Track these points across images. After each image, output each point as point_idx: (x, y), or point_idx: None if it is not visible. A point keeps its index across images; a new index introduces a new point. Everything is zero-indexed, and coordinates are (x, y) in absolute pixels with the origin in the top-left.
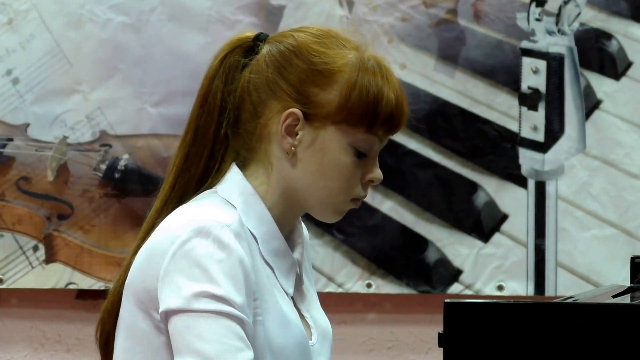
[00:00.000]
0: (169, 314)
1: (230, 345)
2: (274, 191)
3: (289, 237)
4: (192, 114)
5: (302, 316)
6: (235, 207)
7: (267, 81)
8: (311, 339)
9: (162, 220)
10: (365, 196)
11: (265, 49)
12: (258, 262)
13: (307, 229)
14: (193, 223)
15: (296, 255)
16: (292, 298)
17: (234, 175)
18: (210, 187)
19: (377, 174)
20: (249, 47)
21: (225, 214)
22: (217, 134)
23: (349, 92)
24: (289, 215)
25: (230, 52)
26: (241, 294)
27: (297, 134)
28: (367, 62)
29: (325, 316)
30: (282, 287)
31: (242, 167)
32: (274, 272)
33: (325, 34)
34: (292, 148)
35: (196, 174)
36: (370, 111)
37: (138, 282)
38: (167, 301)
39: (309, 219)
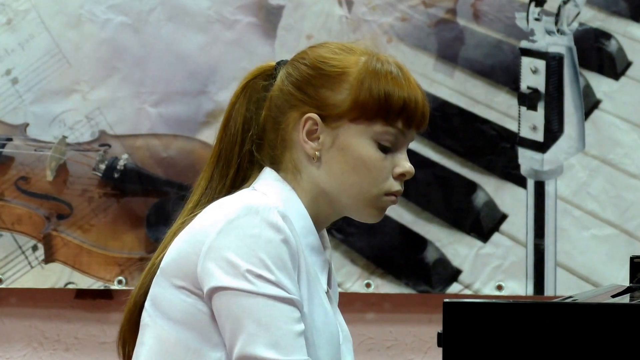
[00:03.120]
0: (217, 290)
1: (286, 330)
2: (305, 194)
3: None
4: (216, 138)
5: None
6: None
7: (284, 94)
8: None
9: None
10: (400, 191)
11: (283, 70)
12: (302, 248)
13: None
14: (240, 203)
15: (327, 255)
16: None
17: (269, 174)
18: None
19: (406, 167)
20: (270, 73)
21: (271, 199)
22: (241, 153)
23: (359, 88)
24: (320, 219)
25: (252, 79)
26: (290, 276)
27: (318, 138)
28: (375, 61)
29: (345, 324)
30: (320, 280)
31: None
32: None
33: (339, 45)
34: (316, 152)
35: (221, 191)
36: (382, 103)
37: (177, 262)
38: (217, 277)
39: None
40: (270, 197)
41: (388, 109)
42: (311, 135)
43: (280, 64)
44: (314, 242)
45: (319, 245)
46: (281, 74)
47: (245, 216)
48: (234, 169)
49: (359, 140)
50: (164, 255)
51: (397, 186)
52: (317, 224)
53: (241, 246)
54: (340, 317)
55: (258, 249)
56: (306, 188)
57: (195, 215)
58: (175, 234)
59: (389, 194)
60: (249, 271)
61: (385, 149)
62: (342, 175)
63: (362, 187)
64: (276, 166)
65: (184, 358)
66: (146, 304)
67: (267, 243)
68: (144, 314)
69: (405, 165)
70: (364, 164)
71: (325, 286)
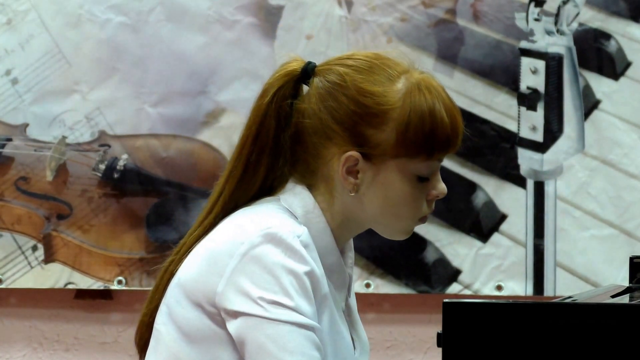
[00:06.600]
0: (238, 315)
1: (311, 356)
2: (336, 216)
3: (342, 251)
4: (242, 149)
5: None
6: (296, 217)
7: (322, 124)
8: (354, 353)
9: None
10: (432, 211)
11: (314, 86)
12: (323, 272)
13: None
14: (263, 228)
15: (348, 270)
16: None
17: (299, 189)
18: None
19: (441, 188)
20: (297, 80)
21: (294, 224)
22: (270, 172)
23: (404, 129)
24: (346, 234)
25: (280, 88)
26: (311, 304)
27: (357, 172)
28: (417, 92)
29: (364, 331)
30: (337, 301)
31: None
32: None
33: (372, 65)
34: (355, 187)
35: (244, 200)
36: (428, 142)
37: (196, 281)
38: (238, 304)
39: None
40: (293, 221)
41: (432, 146)
42: (350, 170)
43: (308, 69)
44: (335, 261)
45: (340, 265)
46: (314, 93)
47: (268, 244)
48: (257, 186)
49: (400, 176)
50: (181, 264)
51: (429, 209)
52: (342, 238)
53: (264, 274)
54: (360, 327)
55: (281, 278)
56: (339, 210)
57: (214, 224)
58: (192, 244)
59: (421, 218)
60: (270, 300)
61: (422, 179)
62: (380, 209)
63: (399, 218)
64: (308, 182)
65: None
66: (162, 308)
67: (290, 273)
68: (159, 319)
69: (439, 187)
70: (405, 199)
71: (342, 305)
